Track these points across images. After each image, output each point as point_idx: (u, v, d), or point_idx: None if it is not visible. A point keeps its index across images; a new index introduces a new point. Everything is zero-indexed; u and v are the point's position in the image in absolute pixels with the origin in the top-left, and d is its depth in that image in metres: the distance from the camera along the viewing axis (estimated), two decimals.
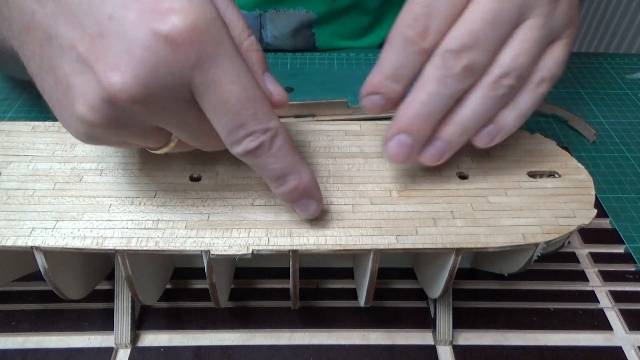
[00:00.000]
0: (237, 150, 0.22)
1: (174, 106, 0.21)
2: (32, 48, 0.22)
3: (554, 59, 0.26)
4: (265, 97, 0.23)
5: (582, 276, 0.35)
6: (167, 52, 0.19)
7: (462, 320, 0.32)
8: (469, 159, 0.31)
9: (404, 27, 0.24)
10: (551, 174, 0.30)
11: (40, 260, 0.25)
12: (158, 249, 0.25)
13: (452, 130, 0.26)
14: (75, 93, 0.20)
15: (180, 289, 0.34)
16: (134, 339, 0.31)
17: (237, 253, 0.25)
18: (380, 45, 0.63)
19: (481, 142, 0.27)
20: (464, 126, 0.26)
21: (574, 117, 0.47)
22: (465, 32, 0.24)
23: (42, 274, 0.26)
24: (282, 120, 0.44)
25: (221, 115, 0.21)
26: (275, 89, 0.26)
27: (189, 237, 0.26)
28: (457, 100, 0.25)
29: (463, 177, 0.30)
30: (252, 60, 0.25)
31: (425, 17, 0.24)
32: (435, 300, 0.31)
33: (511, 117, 0.26)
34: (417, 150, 0.26)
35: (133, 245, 0.25)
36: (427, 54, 0.24)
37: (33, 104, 0.49)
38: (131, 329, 0.30)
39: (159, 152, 0.25)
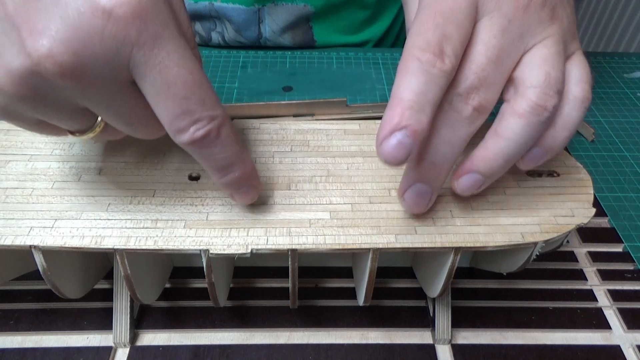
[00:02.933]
0: (182, 139, 0.21)
1: (107, 85, 0.20)
2: None
3: (577, 71, 0.25)
4: (211, 84, 0.22)
5: (580, 275, 0.35)
6: (105, 22, 0.18)
7: (460, 319, 0.32)
8: None
9: (418, 50, 0.21)
10: (550, 173, 0.30)
11: (39, 260, 0.25)
12: (157, 248, 0.25)
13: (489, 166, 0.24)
14: None
15: (179, 288, 0.34)
16: (133, 338, 0.31)
17: (236, 252, 0.25)
18: (377, 42, 0.63)
19: (525, 165, 0.26)
20: (505, 158, 0.24)
21: None
22: (472, 73, 0.22)
23: (41, 273, 0.26)
24: (281, 119, 0.44)
25: (165, 100, 0.20)
26: None
27: (188, 236, 0.26)
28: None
29: None
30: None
31: (439, 39, 0.21)
32: (434, 299, 0.31)
33: (560, 134, 0.25)
34: (436, 193, 0.25)
35: (132, 244, 0.25)
36: (448, 77, 0.22)
37: None
38: (130, 328, 0.30)
39: (80, 137, 0.23)
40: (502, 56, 0.23)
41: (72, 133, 0.23)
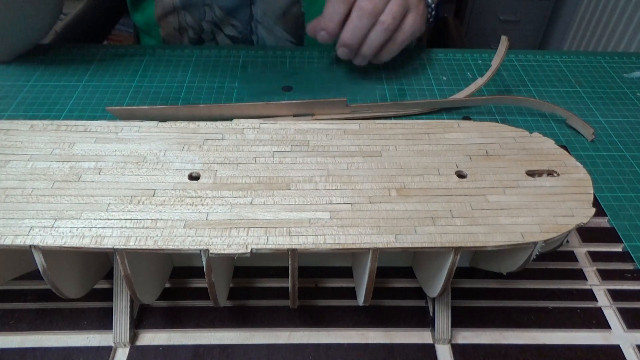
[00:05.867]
0: None
1: None
2: None
3: (409, 22, 0.49)
4: None
5: (580, 275, 0.35)
6: None
7: (460, 319, 0.32)
8: (467, 158, 0.31)
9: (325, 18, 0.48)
10: (550, 173, 0.30)
11: (39, 259, 0.25)
12: (157, 248, 0.25)
13: (365, 49, 0.49)
14: None
15: (179, 287, 0.34)
16: (133, 337, 0.31)
17: (235, 252, 0.25)
18: None
19: (382, 57, 0.50)
20: (369, 47, 0.48)
21: (572, 115, 0.47)
22: (364, 5, 0.47)
23: (41, 272, 0.26)
24: (281, 119, 0.45)
25: None
26: None
27: (188, 236, 0.26)
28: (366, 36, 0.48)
29: (462, 176, 0.30)
30: None
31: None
32: (434, 299, 0.31)
33: (390, 50, 0.50)
34: (352, 56, 0.51)
35: (132, 244, 0.25)
36: (349, 4, 0.47)
37: (31, 102, 0.49)
38: (130, 327, 0.30)
39: None
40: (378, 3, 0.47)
41: None
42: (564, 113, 0.48)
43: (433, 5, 0.55)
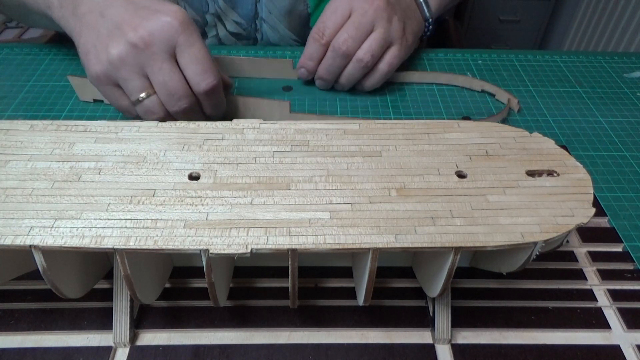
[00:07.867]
0: (200, 87, 0.39)
1: (162, 54, 0.37)
2: (89, 18, 0.39)
3: (391, 54, 0.49)
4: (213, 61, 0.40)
5: (580, 275, 0.35)
6: (168, 24, 0.37)
7: (460, 319, 0.32)
8: (467, 158, 0.31)
9: (313, 33, 0.49)
10: (550, 173, 0.30)
11: (39, 259, 0.25)
12: (157, 248, 0.25)
13: (343, 82, 0.51)
14: (110, 42, 0.38)
15: (179, 288, 0.34)
16: (133, 337, 0.31)
17: (236, 252, 0.25)
18: None
19: (365, 87, 0.51)
20: (348, 80, 0.50)
21: (499, 90, 0.51)
22: (344, 34, 0.47)
23: (41, 272, 0.26)
24: (281, 120, 0.44)
25: (194, 64, 0.38)
26: None
27: (188, 236, 0.26)
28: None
29: (462, 176, 0.30)
30: None
31: (323, 28, 0.48)
32: (434, 299, 0.31)
33: (371, 80, 0.50)
34: (330, 87, 0.53)
35: (132, 244, 0.25)
36: (325, 46, 0.49)
37: (31, 102, 0.49)
38: (130, 327, 0.30)
39: (136, 106, 0.39)
40: (360, 28, 0.47)
41: (132, 103, 0.40)
42: (492, 88, 0.52)
43: (431, 20, 0.55)
